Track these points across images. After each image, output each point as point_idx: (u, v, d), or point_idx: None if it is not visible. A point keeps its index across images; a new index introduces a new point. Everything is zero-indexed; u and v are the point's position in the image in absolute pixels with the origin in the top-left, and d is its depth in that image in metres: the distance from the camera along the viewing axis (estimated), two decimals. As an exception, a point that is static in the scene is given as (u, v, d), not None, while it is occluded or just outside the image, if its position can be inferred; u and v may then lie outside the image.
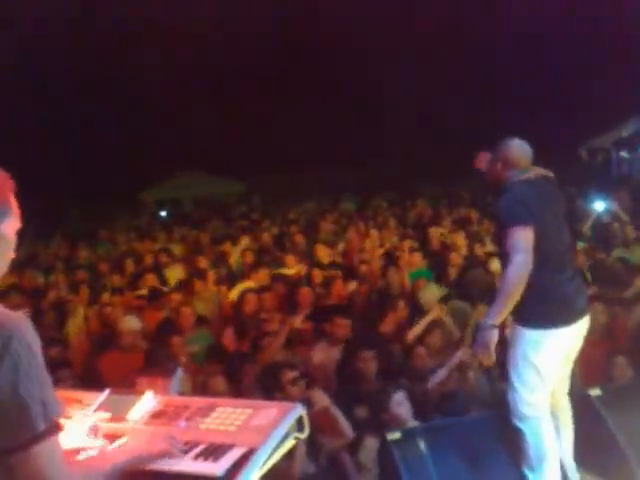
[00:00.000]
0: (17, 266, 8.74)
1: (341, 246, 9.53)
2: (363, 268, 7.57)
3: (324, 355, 5.22)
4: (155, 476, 2.12)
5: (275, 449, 2.21)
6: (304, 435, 2.35)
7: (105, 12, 19.27)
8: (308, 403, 3.86)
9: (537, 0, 18.96)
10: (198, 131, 21.01)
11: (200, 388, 4.47)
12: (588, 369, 4.72)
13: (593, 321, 3.92)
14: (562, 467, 3.61)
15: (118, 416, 2.44)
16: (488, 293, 5.94)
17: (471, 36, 19.50)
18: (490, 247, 8.28)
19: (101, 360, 5.42)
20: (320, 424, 3.98)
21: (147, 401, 2.51)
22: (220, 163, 20.15)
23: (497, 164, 3.72)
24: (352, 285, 6.91)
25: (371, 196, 15.89)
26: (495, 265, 6.92)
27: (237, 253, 9.00)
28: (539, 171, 3.71)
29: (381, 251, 8.73)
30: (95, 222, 14.88)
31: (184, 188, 19.84)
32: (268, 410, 2.35)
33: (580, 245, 7.93)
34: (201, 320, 6.32)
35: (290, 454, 3.25)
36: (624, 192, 11.51)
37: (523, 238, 3.38)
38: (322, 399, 4.12)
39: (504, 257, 3.51)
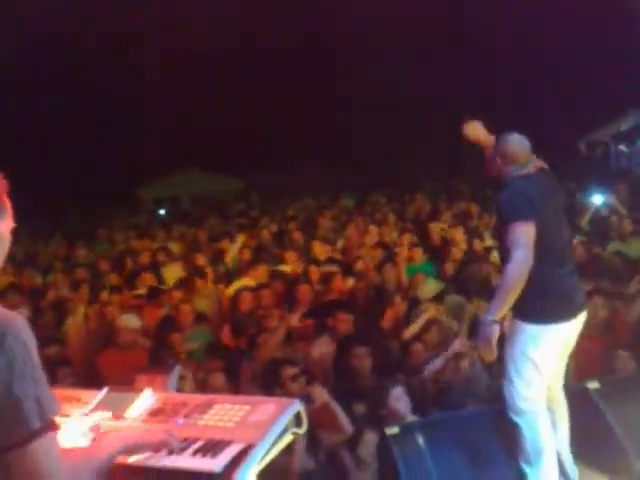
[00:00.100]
0: (16, 266, 8.79)
1: (341, 243, 9.53)
2: (359, 264, 7.57)
3: (325, 349, 5.23)
4: (154, 472, 2.14)
5: (273, 445, 2.22)
6: (302, 431, 2.36)
7: (104, 12, 19.22)
8: (308, 399, 3.88)
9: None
10: (196, 129, 20.98)
11: (200, 385, 4.49)
12: (588, 363, 4.73)
13: (593, 315, 3.94)
14: (559, 460, 3.62)
15: (116, 414, 2.45)
16: (485, 288, 5.99)
17: (471, 36, 19.45)
18: (489, 242, 8.29)
19: (100, 358, 5.43)
20: (320, 420, 3.99)
21: (145, 399, 2.52)
22: (218, 161, 20.12)
23: (496, 159, 3.71)
24: (350, 281, 6.91)
25: (370, 192, 15.88)
26: (494, 259, 6.96)
27: (234, 251, 9.00)
28: (538, 163, 3.71)
29: (376, 248, 8.64)
30: (94, 221, 14.88)
31: (182, 186, 19.82)
32: (266, 406, 2.36)
33: (577, 238, 7.94)
34: (201, 317, 6.34)
35: (290, 449, 3.27)
36: (623, 185, 11.51)
37: (524, 233, 3.37)
38: (322, 395, 4.13)
39: (504, 252, 3.51)
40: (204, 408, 2.43)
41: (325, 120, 21.05)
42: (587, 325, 3.69)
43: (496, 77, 18.94)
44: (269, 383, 4.35)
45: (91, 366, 5.40)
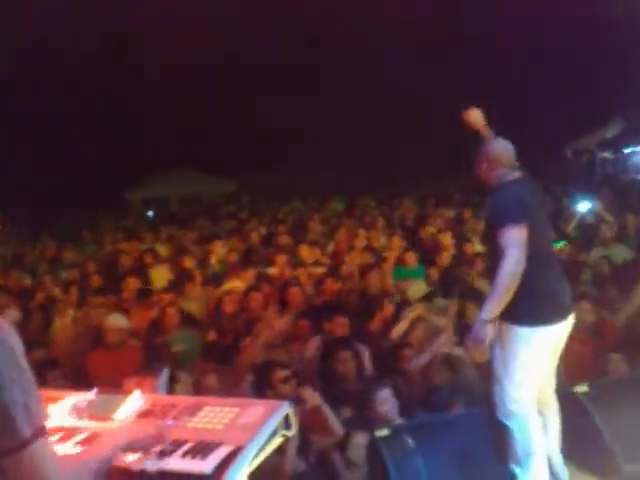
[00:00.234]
0: (4, 267, 8.74)
1: (331, 247, 9.52)
2: (344, 269, 7.57)
3: (317, 351, 5.22)
4: (143, 475, 2.12)
5: (263, 447, 2.22)
6: (292, 433, 2.36)
7: (104, 12, 19.14)
8: (299, 401, 3.87)
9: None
10: (196, 129, 20.94)
11: (194, 387, 4.48)
12: (580, 365, 4.76)
13: (581, 320, 3.95)
14: (549, 462, 3.63)
15: (105, 415, 2.44)
16: (471, 292, 6.04)
17: (471, 36, 19.50)
18: (478, 247, 8.31)
19: (89, 359, 5.39)
20: (311, 422, 3.99)
21: (134, 400, 2.51)
22: (211, 162, 20.09)
23: (482, 165, 3.75)
24: (337, 285, 6.91)
25: (359, 195, 15.90)
26: (479, 264, 7.02)
27: (218, 254, 8.98)
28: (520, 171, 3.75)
29: (365, 252, 8.63)
30: (82, 223, 14.79)
31: (172, 187, 19.77)
32: (255, 408, 2.36)
33: (560, 244, 7.99)
34: (190, 320, 6.31)
35: (281, 451, 3.27)
36: (607, 192, 11.65)
37: (518, 236, 3.39)
38: (313, 397, 4.12)
39: (493, 256, 3.53)
40: (193, 410, 2.43)
41: (325, 120, 21.08)
42: (576, 328, 3.71)
43: (496, 77, 19.00)
44: (260, 385, 4.34)
45: (80, 367, 5.36)
